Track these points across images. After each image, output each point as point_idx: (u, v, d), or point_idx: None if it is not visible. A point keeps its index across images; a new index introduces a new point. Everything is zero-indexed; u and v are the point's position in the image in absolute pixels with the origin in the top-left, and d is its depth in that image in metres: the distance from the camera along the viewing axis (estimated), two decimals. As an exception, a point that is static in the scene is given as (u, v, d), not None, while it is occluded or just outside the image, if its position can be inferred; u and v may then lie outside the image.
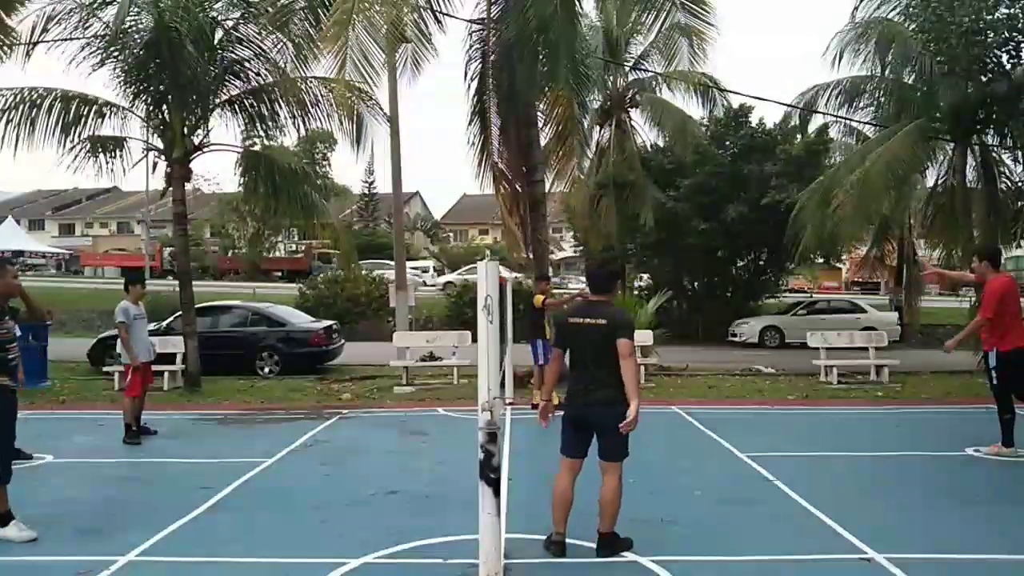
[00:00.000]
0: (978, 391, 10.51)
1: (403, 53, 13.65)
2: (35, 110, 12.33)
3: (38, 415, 10.90)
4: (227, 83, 13.38)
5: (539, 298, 10.85)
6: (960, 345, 7.74)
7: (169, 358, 13.46)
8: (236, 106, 13.53)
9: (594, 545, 4.97)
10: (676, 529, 5.49)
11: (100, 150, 12.97)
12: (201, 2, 12.40)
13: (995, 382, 7.50)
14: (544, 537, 5.12)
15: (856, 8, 15.67)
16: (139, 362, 8.80)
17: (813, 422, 10.21)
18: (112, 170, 13.28)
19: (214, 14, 12.80)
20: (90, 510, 6.19)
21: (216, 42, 12.85)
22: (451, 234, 64.59)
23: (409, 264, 24.48)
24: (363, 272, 26.32)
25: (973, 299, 15.01)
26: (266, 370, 15.33)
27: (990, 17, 13.25)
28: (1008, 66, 13.58)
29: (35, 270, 44.77)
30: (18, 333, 5.63)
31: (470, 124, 13.75)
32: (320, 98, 13.32)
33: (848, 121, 19.03)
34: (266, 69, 13.31)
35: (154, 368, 12.81)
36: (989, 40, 13.26)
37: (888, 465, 7.51)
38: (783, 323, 22.48)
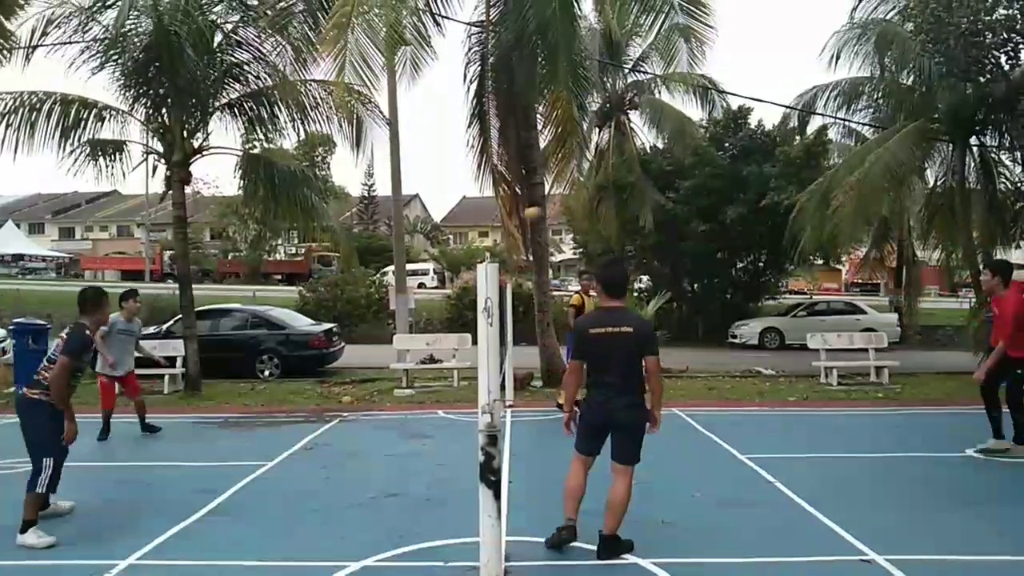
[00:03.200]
0: (978, 392, 10.50)
1: (402, 56, 13.64)
2: (35, 114, 12.33)
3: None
4: (226, 86, 13.39)
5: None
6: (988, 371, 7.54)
7: (169, 361, 13.46)
8: (236, 109, 13.54)
9: (594, 547, 4.98)
10: (676, 531, 5.49)
11: (100, 154, 12.98)
12: (200, 5, 12.41)
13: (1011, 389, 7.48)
14: (544, 539, 5.14)
15: (855, 9, 15.72)
16: (106, 370, 9.00)
17: (813, 424, 10.20)
18: (112, 174, 13.29)
19: (213, 17, 12.81)
20: (90, 514, 6.18)
21: (215, 45, 12.86)
22: (451, 236, 64.63)
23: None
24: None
25: (972, 300, 15.01)
26: (266, 373, 15.33)
27: (988, 18, 13.28)
28: (1006, 67, 13.60)
29: (35, 274, 44.77)
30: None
31: (469, 126, 13.77)
32: (319, 101, 13.33)
33: (847, 122, 19.09)
34: (265, 72, 13.32)
35: (154, 372, 12.88)
36: (987, 41, 13.28)
37: (888, 466, 7.50)
38: (783, 324, 22.49)
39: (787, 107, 19.64)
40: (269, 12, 12.40)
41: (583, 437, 5.09)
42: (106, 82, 12.68)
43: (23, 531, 5.38)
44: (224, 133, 15.20)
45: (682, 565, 4.81)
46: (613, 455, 5.00)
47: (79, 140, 12.75)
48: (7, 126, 12.22)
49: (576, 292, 11.21)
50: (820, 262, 26.47)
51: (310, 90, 13.31)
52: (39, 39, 12.21)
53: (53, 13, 12.01)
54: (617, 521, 4.94)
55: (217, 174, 63.19)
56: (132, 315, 9.26)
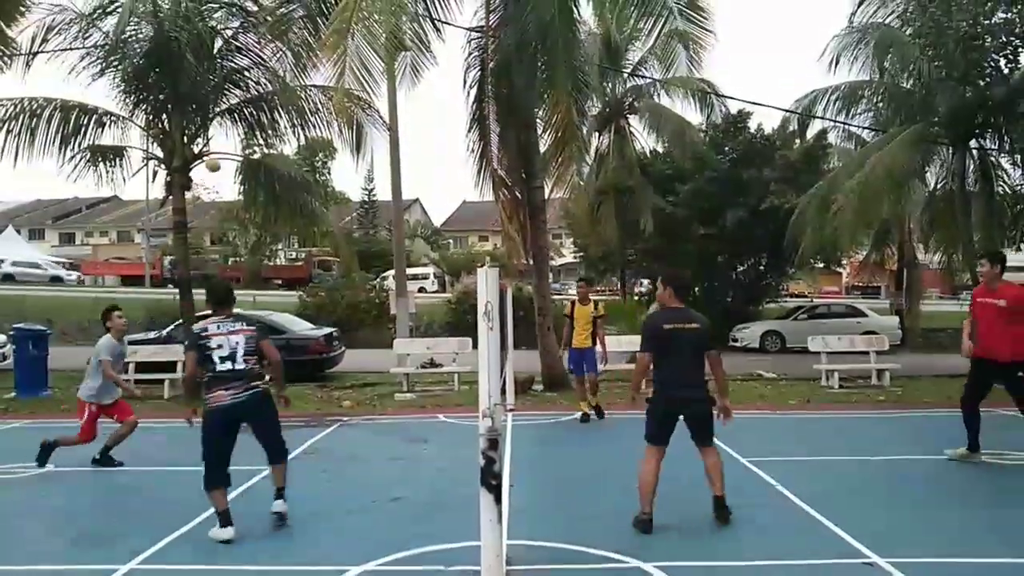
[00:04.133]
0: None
1: (402, 61, 13.68)
2: (35, 120, 12.39)
3: (40, 424, 10.90)
4: (227, 92, 13.43)
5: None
6: None
7: (170, 366, 13.46)
8: (236, 115, 13.58)
9: (598, 551, 5.01)
10: (678, 534, 5.49)
11: (100, 159, 13.03)
12: (200, 11, 12.44)
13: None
14: (540, 543, 5.17)
15: (854, 13, 15.74)
16: (96, 398, 7.88)
17: (814, 426, 10.20)
18: (112, 179, 13.35)
19: (213, 23, 12.86)
20: (91, 518, 6.18)
21: (216, 51, 12.91)
22: (451, 241, 64.61)
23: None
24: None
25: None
26: (266, 377, 15.26)
27: (987, 22, 13.31)
28: (1006, 71, 13.61)
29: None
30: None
31: (469, 131, 13.78)
32: (319, 106, 13.38)
33: (847, 126, 19.09)
34: (265, 78, 13.36)
35: (155, 376, 12.87)
36: (987, 45, 13.30)
37: (890, 469, 7.50)
38: (784, 327, 22.46)
39: (787, 111, 19.66)
40: (269, 18, 12.44)
41: (658, 427, 5.57)
42: (106, 88, 12.75)
43: (284, 497, 5.78)
44: (224, 138, 15.28)
45: (683, 568, 4.81)
46: (697, 440, 5.69)
47: (79, 146, 12.80)
48: (8, 132, 12.26)
49: (570, 301, 10.92)
50: (820, 265, 26.45)
51: (310, 95, 13.36)
52: (40, 46, 12.29)
53: (53, 20, 12.08)
54: (723, 482, 5.64)
55: (217, 180, 62.98)
56: (121, 334, 8.09)
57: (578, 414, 10.31)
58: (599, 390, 10.62)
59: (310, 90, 13.33)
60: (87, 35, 12.28)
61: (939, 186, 16.42)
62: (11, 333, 14.24)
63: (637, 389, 5.98)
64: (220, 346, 5.52)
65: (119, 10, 11.84)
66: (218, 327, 5.62)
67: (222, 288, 6.04)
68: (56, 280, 41.32)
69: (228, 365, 5.51)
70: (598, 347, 10.29)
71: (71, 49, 12.37)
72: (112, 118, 12.96)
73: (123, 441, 8.03)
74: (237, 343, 5.56)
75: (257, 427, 5.80)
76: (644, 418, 5.68)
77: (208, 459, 5.52)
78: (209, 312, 6.11)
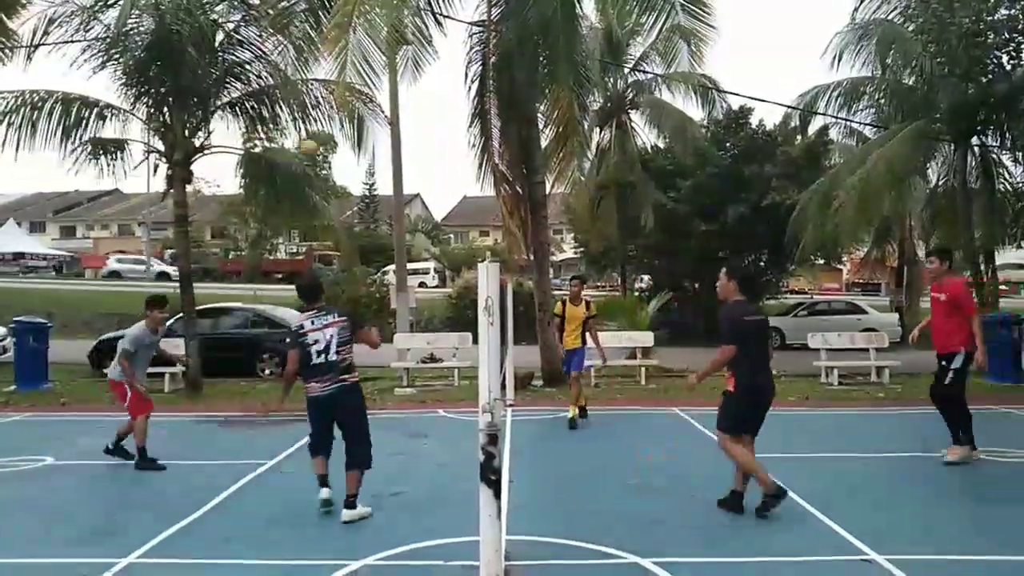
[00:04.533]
0: (977, 392, 10.50)
1: (403, 55, 13.66)
2: (36, 113, 12.35)
3: (39, 417, 10.94)
4: (228, 85, 13.40)
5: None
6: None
7: (169, 360, 13.44)
8: (237, 108, 13.55)
9: (594, 546, 5.05)
10: (676, 531, 5.50)
11: (101, 152, 13.00)
12: (202, 5, 12.40)
13: (954, 383, 7.33)
14: (540, 538, 5.18)
15: (856, 9, 15.71)
16: (141, 388, 7.77)
17: (813, 423, 10.20)
18: (113, 172, 13.32)
19: (215, 16, 12.81)
20: (90, 512, 6.19)
21: (217, 44, 12.87)
22: (452, 236, 64.60)
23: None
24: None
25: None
26: (267, 372, 15.32)
27: (990, 18, 13.31)
28: (1008, 67, 13.60)
29: (36, 272, 44.79)
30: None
31: (471, 126, 13.76)
32: (321, 100, 13.35)
33: (848, 122, 19.08)
34: (267, 71, 13.33)
35: (155, 370, 12.87)
36: (989, 41, 13.30)
37: (889, 466, 7.51)
38: (784, 324, 22.42)
39: (788, 107, 19.64)
40: (271, 11, 12.39)
41: (744, 418, 5.72)
42: (108, 81, 12.71)
43: (353, 506, 5.78)
44: (226, 132, 15.26)
45: (682, 564, 4.82)
46: (749, 430, 5.76)
47: (81, 139, 12.76)
48: (9, 125, 12.24)
49: (561, 301, 10.22)
50: (821, 262, 26.44)
51: (311, 89, 13.33)
52: (41, 38, 12.25)
53: (55, 12, 12.04)
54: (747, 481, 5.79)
55: (217, 173, 62.97)
56: (157, 324, 8.04)
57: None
58: (582, 389, 10.12)
59: (311, 84, 13.31)
60: (88, 27, 12.24)
61: (940, 183, 16.42)
62: (11, 326, 14.26)
63: (705, 377, 5.97)
64: (316, 341, 5.85)
65: (120, 3, 11.79)
66: (312, 323, 5.90)
67: (310, 284, 6.36)
68: (163, 276, 40.12)
69: (322, 359, 5.83)
70: (590, 344, 10.00)
71: (72, 41, 12.35)
72: (113, 111, 12.93)
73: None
74: (331, 336, 5.86)
75: (343, 420, 5.99)
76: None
77: (312, 433, 6.08)
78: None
